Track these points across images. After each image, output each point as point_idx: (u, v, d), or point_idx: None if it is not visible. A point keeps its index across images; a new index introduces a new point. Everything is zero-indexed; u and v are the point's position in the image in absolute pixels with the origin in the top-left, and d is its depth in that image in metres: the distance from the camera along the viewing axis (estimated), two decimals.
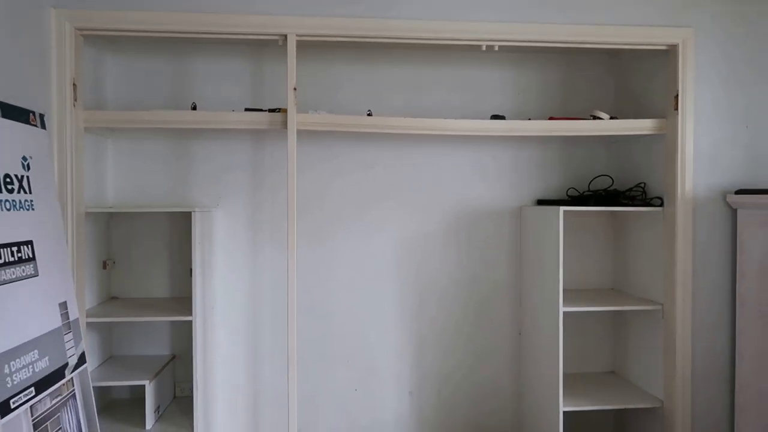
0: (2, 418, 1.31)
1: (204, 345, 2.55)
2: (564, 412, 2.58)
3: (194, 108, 2.58)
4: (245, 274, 2.85)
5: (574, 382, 2.85)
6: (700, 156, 2.53)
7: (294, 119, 2.41)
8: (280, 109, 2.48)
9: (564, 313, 2.56)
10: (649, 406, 2.61)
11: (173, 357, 2.79)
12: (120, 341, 2.80)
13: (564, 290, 2.84)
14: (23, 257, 1.51)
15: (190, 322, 2.43)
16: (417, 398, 2.96)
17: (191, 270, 2.44)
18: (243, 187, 2.83)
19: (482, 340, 2.99)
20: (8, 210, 1.48)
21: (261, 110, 2.50)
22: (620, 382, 2.89)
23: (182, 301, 2.69)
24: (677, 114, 2.51)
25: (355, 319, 2.92)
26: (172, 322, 2.81)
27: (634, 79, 2.87)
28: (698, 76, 2.51)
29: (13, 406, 1.36)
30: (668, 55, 2.56)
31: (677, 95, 2.51)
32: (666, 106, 2.59)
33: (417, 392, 2.96)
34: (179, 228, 2.79)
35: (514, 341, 3.00)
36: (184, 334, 2.78)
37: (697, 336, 2.54)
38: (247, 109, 2.54)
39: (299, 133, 2.46)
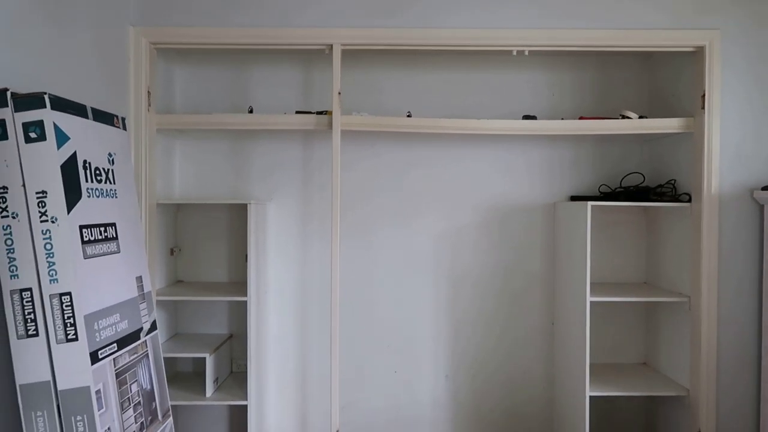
0: (93, 364, 1.61)
1: (257, 325, 2.83)
2: (595, 400, 2.72)
3: (251, 111, 2.87)
4: (295, 262, 3.12)
5: (604, 371, 2.97)
6: (727, 153, 2.61)
7: (338, 120, 2.66)
8: (326, 111, 2.73)
9: (593, 303, 2.69)
10: (674, 394, 2.71)
11: (230, 336, 3.09)
12: (184, 320, 3.12)
13: (596, 283, 2.99)
14: (109, 236, 1.81)
15: (245, 303, 2.72)
16: (453, 382, 3.15)
17: (247, 256, 2.73)
18: (293, 183, 3.11)
19: (516, 329, 3.14)
20: (97, 197, 1.79)
21: (310, 113, 2.77)
22: (650, 372, 2.99)
23: (239, 285, 2.99)
24: (704, 113, 2.61)
25: (395, 306, 3.14)
26: (230, 304, 3.11)
27: (664, 79, 2.97)
28: (724, 75, 2.60)
29: (100, 356, 1.66)
30: (695, 56, 2.66)
31: (704, 95, 2.61)
32: (694, 106, 2.68)
33: (453, 376, 3.15)
34: (237, 219, 3.09)
35: (547, 331, 3.14)
36: (240, 315, 3.08)
37: (723, 328, 2.62)
38: (297, 112, 2.81)
39: (343, 133, 2.71)
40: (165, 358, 2.80)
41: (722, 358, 2.62)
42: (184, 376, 3.02)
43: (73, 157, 1.68)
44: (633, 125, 2.72)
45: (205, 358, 2.73)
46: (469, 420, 3.14)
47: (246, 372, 2.77)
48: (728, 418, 2.62)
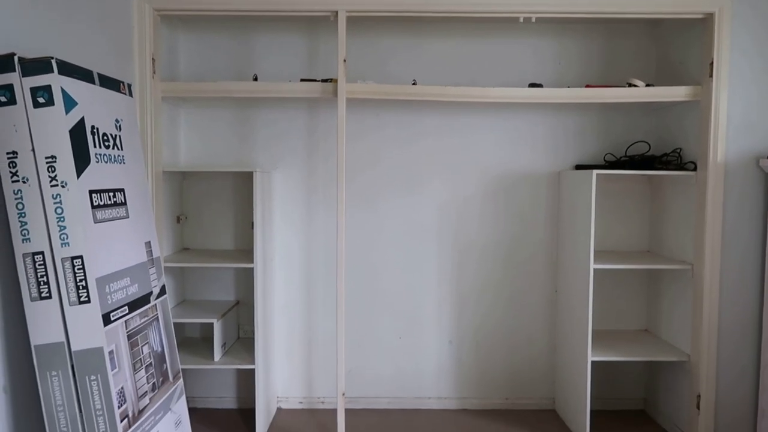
0: (105, 326, 1.64)
1: (264, 292, 2.87)
2: (596, 366, 2.76)
3: (255, 79, 2.86)
4: (300, 230, 3.15)
5: (606, 337, 3.02)
6: (734, 122, 2.60)
7: (344, 88, 2.65)
8: (331, 79, 2.72)
9: (596, 271, 2.72)
10: (675, 359, 2.75)
11: (237, 302, 3.14)
12: (191, 287, 3.17)
13: (600, 251, 3.02)
14: (118, 201, 1.83)
15: (252, 270, 2.75)
16: (456, 347, 3.20)
17: (252, 224, 2.75)
18: (299, 152, 3.12)
19: (520, 297, 3.18)
20: (106, 162, 1.80)
21: (315, 80, 2.76)
22: (651, 338, 3.03)
23: (245, 252, 3.02)
24: (712, 81, 2.59)
25: (400, 273, 3.17)
26: (236, 271, 3.15)
27: (672, 47, 2.94)
28: (733, 43, 2.57)
29: (112, 318, 1.69)
30: (704, 23, 2.63)
31: (712, 62, 2.58)
32: (701, 74, 2.66)
33: (457, 342, 3.20)
34: (242, 187, 3.11)
35: (551, 298, 3.18)
36: (247, 282, 3.12)
37: (725, 295, 2.64)
38: (302, 80, 2.80)
39: (349, 101, 2.70)
40: (173, 324, 2.86)
41: (723, 324, 2.65)
42: (192, 342, 3.08)
43: (81, 122, 1.69)
44: (640, 93, 2.71)
45: (212, 324, 2.77)
46: (472, 383, 3.20)
47: (252, 338, 2.82)
48: (728, 383, 2.66)
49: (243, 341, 3.11)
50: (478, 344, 3.20)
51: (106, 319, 1.66)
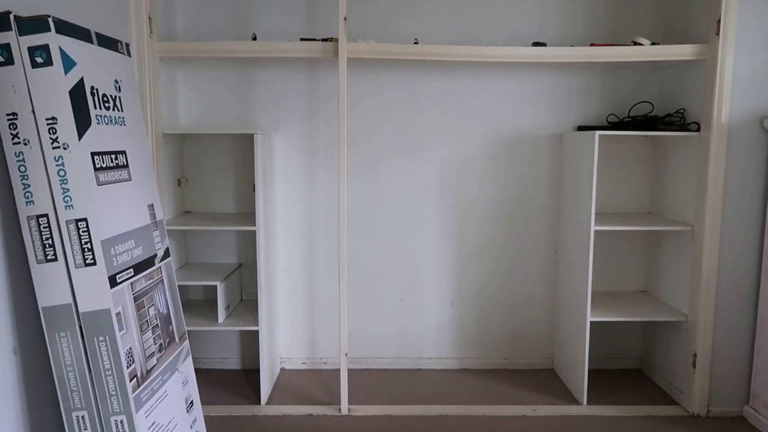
0: (112, 288, 1.65)
1: (266, 254, 2.88)
2: (594, 325, 2.80)
3: (254, 38, 2.81)
4: (302, 193, 3.14)
5: (605, 298, 3.05)
6: (740, 81, 2.57)
7: (344, 48, 2.60)
8: (332, 38, 2.67)
9: (596, 232, 2.74)
10: (673, 319, 2.79)
11: (240, 265, 3.16)
12: (194, 250, 3.18)
13: (601, 213, 3.03)
14: (120, 164, 1.82)
15: (254, 232, 2.76)
16: (457, 309, 3.24)
17: (254, 187, 2.74)
18: (299, 113, 3.08)
19: (520, 258, 3.20)
20: (106, 124, 1.77)
21: (315, 40, 2.70)
22: (650, 299, 3.06)
23: (247, 215, 3.02)
24: (719, 39, 2.55)
25: (401, 236, 3.18)
26: (238, 234, 3.16)
27: (679, 4, 2.88)
28: (741, 1, 2.52)
29: (119, 281, 1.70)
30: None
31: (719, 20, 2.54)
32: (708, 32, 2.62)
33: (457, 303, 3.23)
34: (243, 149, 3.08)
35: (551, 259, 3.20)
36: (248, 246, 3.13)
37: (725, 255, 2.66)
38: (302, 39, 2.75)
39: (350, 61, 2.66)
40: (177, 287, 2.88)
41: (721, 284, 2.67)
42: (196, 304, 3.11)
43: (81, 83, 1.66)
44: (645, 52, 2.67)
45: (216, 286, 2.79)
46: (473, 343, 3.25)
47: (256, 300, 2.84)
48: (724, 342, 2.70)
49: (246, 303, 3.14)
50: (479, 305, 3.23)
51: (113, 281, 1.67)
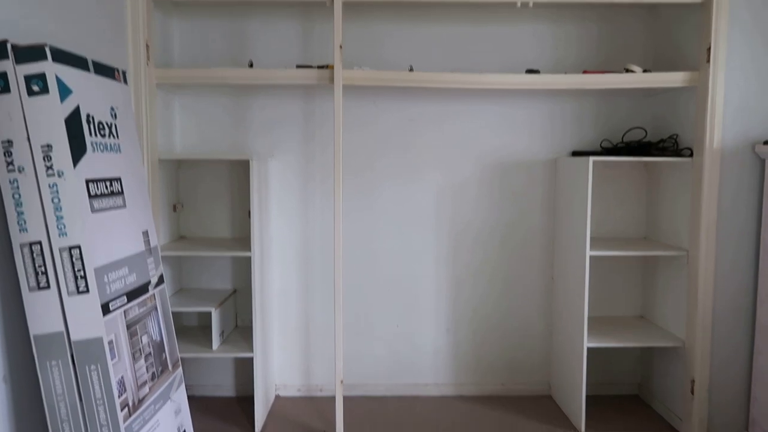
0: (104, 316, 1.64)
1: (261, 280, 2.86)
2: (591, 351, 2.79)
3: (251, 65, 2.83)
4: (297, 217, 3.14)
5: (601, 323, 3.04)
6: (731, 107, 2.60)
7: (340, 75, 2.63)
8: (327, 65, 2.69)
9: (592, 257, 2.74)
10: (670, 345, 2.77)
11: (234, 291, 3.14)
12: (188, 275, 3.16)
13: (596, 238, 3.03)
14: (114, 191, 1.82)
15: (249, 258, 2.75)
16: (454, 334, 3.22)
17: (249, 212, 2.74)
18: (295, 139, 3.10)
19: (516, 283, 3.19)
20: (102, 151, 1.78)
21: (310, 67, 2.73)
22: (646, 324, 3.05)
23: (242, 241, 3.01)
24: (709, 66, 2.58)
25: (397, 261, 3.18)
26: (233, 260, 3.14)
27: (669, 32, 2.93)
28: (731, 28, 2.56)
29: (111, 308, 1.69)
30: (702, 8, 2.62)
31: (710, 48, 2.58)
32: (698, 59, 2.66)
33: (454, 329, 3.21)
34: (239, 174, 3.09)
35: (547, 285, 3.19)
36: (244, 271, 3.12)
37: (720, 281, 2.66)
38: (298, 66, 2.77)
39: (345, 88, 2.68)
40: (171, 313, 2.85)
41: (718, 309, 2.67)
42: (190, 330, 3.08)
43: (77, 110, 1.67)
44: (637, 79, 2.70)
45: (210, 312, 2.77)
46: (469, 369, 3.22)
47: (250, 326, 2.82)
48: (722, 368, 2.69)
49: (241, 329, 3.11)
50: (475, 331, 3.21)
51: (105, 309, 1.65)
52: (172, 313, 2.79)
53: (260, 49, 3.03)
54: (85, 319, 1.62)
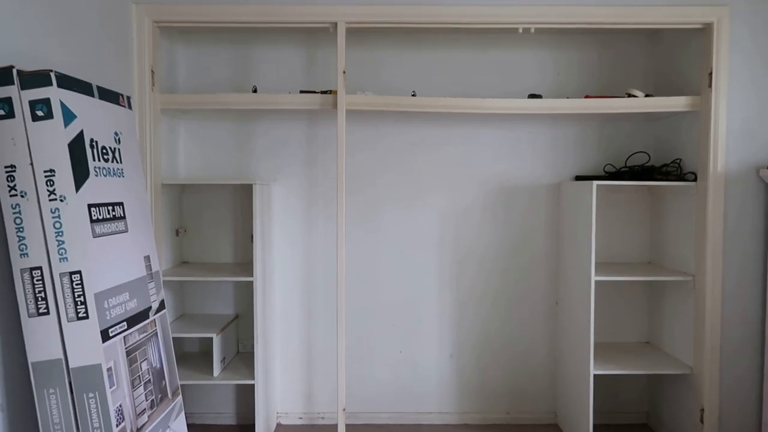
0: (104, 342, 1.62)
1: (263, 305, 2.84)
2: (597, 378, 2.74)
3: (255, 91, 2.85)
4: (300, 242, 3.13)
5: (608, 349, 2.99)
6: (734, 132, 2.60)
7: (343, 100, 2.64)
8: (330, 91, 2.71)
9: (597, 282, 2.70)
10: (678, 372, 2.73)
11: (236, 316, 3.11)
12: (190, 301, 3.14)
13: (601, 263, 3.01)
14: (117, 215, 1.81)
15: (251, 283, 2.73)
16: (457, 360, 3.17)
17: (252, 237, 2.73)
18: (298, 163, 3.10)
19: (520, 308, 3.16)
20: (105, 176, 1.78)
21: (314, 92, 2.75)
22: (653, 351, 3.00)
23: (244, 266, 2.99)
24: (711, 91, 2.59)
25: (400, 286, 3.15)
26: (236, 285, 3.12)
27: (670, 57, 2.94)
28: (732, 53, 2.58)
29: (111, 334, 1.67)
30: (703, 33, 2.64)
31: (711, 72, 2.59)
32: (700, 83, 2.66)
33: (457, 355, 3.17)
34: (242, 199, 3.09)
35: (551, 310, 3.16)
36: (246, 296, 3.09)
37: (727, 306, 2.62)
38: (301, 92, 2.79)
39: (348, 113, 2.69)
40: (172, 339, 2.82)
41: (726, 336, 2.63)
42: (192, 356, 3.04)
43: (80, 135, 1.67)
44: (639, 104, 2.70)
45: (212, 339, 2.74)
46: (473, 397, 3.17)
47: (252, 352, 2.78)
48: (731, 396, 2.64)
49: (242, 355, 3.07)
50: (479, 357, 3.17)
51: (105, 336, 1.63)
52: (174, 338, 2.76)
53: (264, 75, 3.05)
54: (85, 346, 1.60)
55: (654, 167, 2.91)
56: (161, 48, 2.77)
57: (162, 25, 2.67)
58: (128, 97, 2.05)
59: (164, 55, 2.85)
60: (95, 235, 1.67)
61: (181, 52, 3.06)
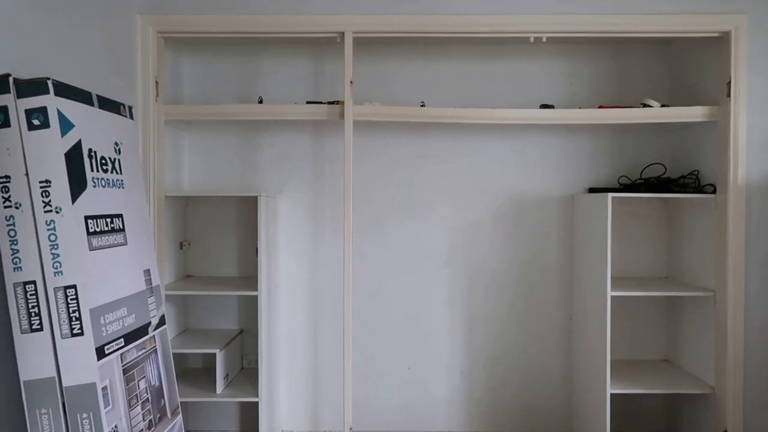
0: (99, 360, 1.55)
1: (268, 320, 2.77)
2: (613, 397, 2.63)
3: (261, 101, 2.81)
4: (306, 256, 3.06)
5: (624, 367, 2.89)
6: (754, 142, 2.52)
7: (351, 110, 2.59)
8: (338, 101, 2.66)
9: (613, 298, 2.61)
10: (699, 392, 2.62)
11: (241, 331, 3.04)
12: (194, 315, 3.07)
13: (616, 277, 2.91)
14: (115, 228, 1.75)
15: (256, 298, 2.66)
16: (468, 378, 3.07)
17: (257, 251, 2.66)
18: (304, 176, 3.04)
19: (532, 324, 3.06)
20: (103, 187, 1.73)
21: (321, 103, 2.70)
22: (672, 369, 2.90)
23: (249, 280, 2.93)
24: (730, 101, 2.51)
25: (408, 301, 3.07)
26: (240, 300, 3.05)
27: (686, 66, 2.87)
28: (751, 62, 2.50)
29: (107, 352, 1.60)
30: (720, 41, 2.56)
31: (729, 82, 2.51)
32: (718, 93, 2.59)
33: (468, 372, 3.07)
34: (247, 212, 3.03)
35: (565, 326, 3.06)
36: (250, 311, 3.02)
37: (750, 323, 2.52)
38: (308, 102, 2.74)
39: (356, 123, 2.64)
40: (174, 354, 2.75)
41: (749, 354, 2.52)
42: (194, 372, 2.97)
43: (78, 145, 1.62)
44: (655, 114, 2.63)
45: (215, 354, 2.67)
46: (484, 416, 3.06)
47: (257, 368, 2.71)
48: (755, 415, 2.53)
49: (246, 372, 3.00)
50: (491, 374, 3.07)
51: (100, 353, 1.57)
52: (176, 354, 2.70)
53: (271, 87, 3.01)
54: (79, 364, 1.53)
55: (671, 179, 2.82)
56: (166, 58, 2.74)
57: (167, 36, 2.63)
58: (130, 107, 2.00)
59: (169, 67, 2.81)
60: (92, 248, 1.61)
61: (186, 63, 3.02)
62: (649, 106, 2.65)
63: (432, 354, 3.08)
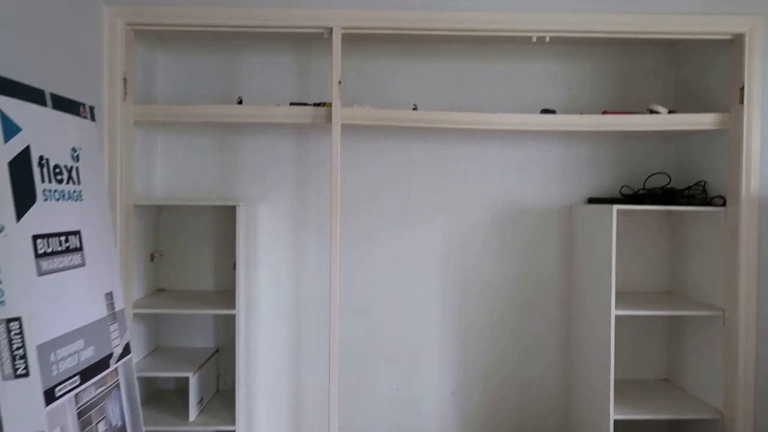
0: (48, 405, 1.33)
1: (247, 339, 2.55)
2: (615, 421, 2.48)
3: (240, 102, 2.59)
4: (288, 269, 2.85)
5: (625, 388, 2.73)
6: None
7: (339, 113, 2.39)
8: (324, 103, 2.46)
9: (616, 316, 2.45)
10: (707, 417, 2.47)
11: (217, 350, 2.81)
12: (166, 333, 2.84)
13: (617, 292, 2.73)
14: (71, 247, 1.53)
15: (234, 315, 2.45)
16: (460, 398, 2.89)
17: (235, 264, 2.45)
18: (287, 183, 2.83)
19: (528, 341, 2.90)
20: (57, 200, 1.50)
21: (306, 104, 2.49)
22: (675, 390, 2.75)
23: (226, 294, 2.70)
24: (743, 107, 2.36)
25: (397, 316, 2.88)
26: (216, 316, 2.83)
27: (694, 70, 2.72)
28: (766, 67, 2.35)
29: (58, 394, 1.38)
30: (733, 44, 2.42)
31: (743, 87, 2.36)
32: (730, 100, 2.44)
33: (460, 392, 2.89)
34: (224, 222, 2.81)
35: (562, 342, 2.90)
36: (227, 328, 2.80)
37: (762, 344, 2.38)
38: (292, 104, 2.53)
39: (344, 127, 2.43)
40: (144, 377, 2.53)
41: (761, 378, 2.38)
42: (165, 395, 2.75)
43: (26, 152, 1.39)
44: (663, 121, 2.47)
45: (188, 378, 2.44)
46: None
47: (234, 390, 2.50)
48: None
49: (223, 394, 2.77)
50: (482, 392, 2.89)
51: (50, 396, 1.34)
52: (145, 378, 2.47)
53: (252, 85, 2.79)
54: (24, 410, 1.30)
55: (675, 190, 2.67)
56: (137, 54, 2.50)
57: (137, 29, 2.40)
58: (91, 108, 1.78)
59: (141, 63, 2.58)
60: (41, 273, 1.38)
61: (160, 59, 2.79)
62: (656, 112, 2.50)
63: (422, 373, 2.89)
